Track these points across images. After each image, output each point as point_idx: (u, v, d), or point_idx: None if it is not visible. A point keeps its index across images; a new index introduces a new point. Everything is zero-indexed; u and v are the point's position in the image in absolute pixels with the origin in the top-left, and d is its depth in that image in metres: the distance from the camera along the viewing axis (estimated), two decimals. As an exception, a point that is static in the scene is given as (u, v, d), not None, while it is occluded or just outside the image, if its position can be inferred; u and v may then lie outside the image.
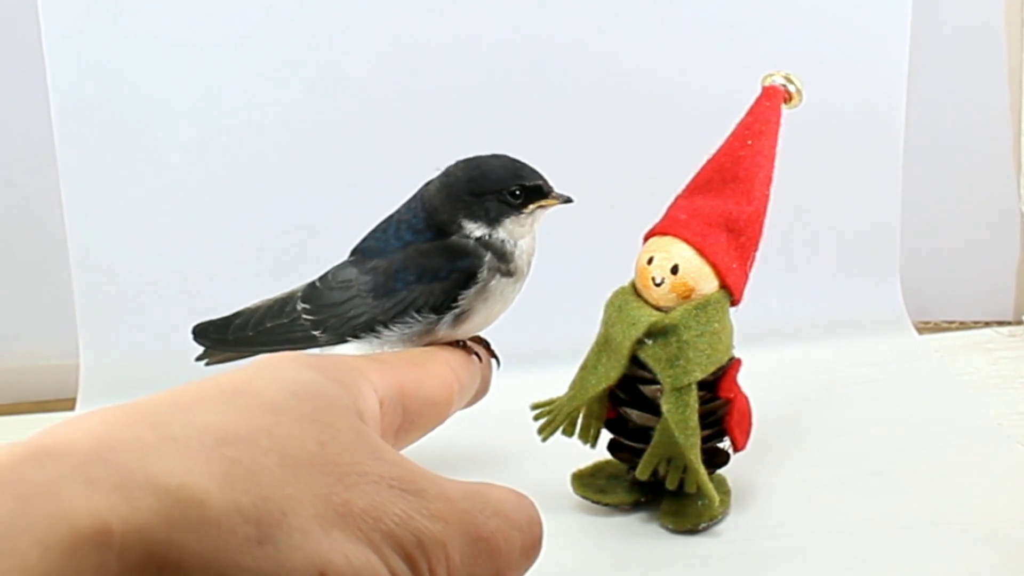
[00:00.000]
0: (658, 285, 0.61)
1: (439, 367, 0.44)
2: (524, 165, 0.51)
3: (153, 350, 0.79)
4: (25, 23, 0.79)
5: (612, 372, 0.62)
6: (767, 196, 0.63)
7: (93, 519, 0.24)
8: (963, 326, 0.93)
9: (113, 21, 0.80)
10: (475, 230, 0.50)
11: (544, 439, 0.66)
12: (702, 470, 0.61)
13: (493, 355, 0.51)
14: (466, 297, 0.50)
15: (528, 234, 0.52)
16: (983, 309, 0.94)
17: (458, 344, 0.49)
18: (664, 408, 0.60)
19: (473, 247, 0.50)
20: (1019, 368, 0.82)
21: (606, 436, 0.66)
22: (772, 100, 0.65)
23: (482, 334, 0.52)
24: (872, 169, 0.89)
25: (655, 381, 0.61)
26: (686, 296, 0.61)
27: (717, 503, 0.61)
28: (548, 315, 0.77)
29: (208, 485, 0.26)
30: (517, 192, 0.50)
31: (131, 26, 0.80)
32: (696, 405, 0.60)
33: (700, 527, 0.62)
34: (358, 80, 0.83)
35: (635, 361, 0.62)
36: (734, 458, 0.65)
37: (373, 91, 0.83)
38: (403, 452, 0.35)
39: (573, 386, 0.65)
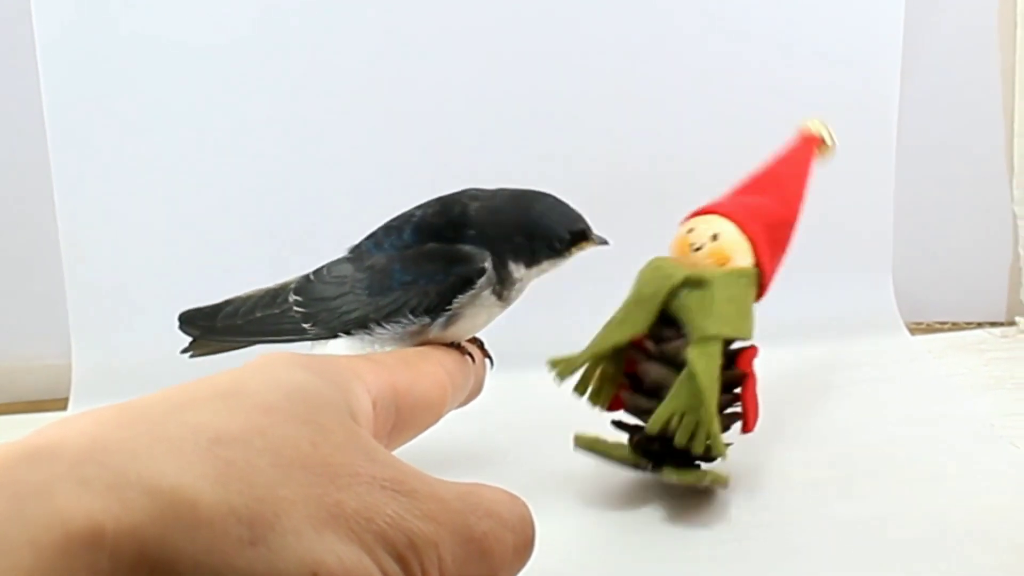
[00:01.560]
0: (696, 251, 0.64)
1: (432, 367, 0.44)
2: (572, 210, 0.52)
3: (146, 350, 0.79)
4: (18, 21, 0.79)
5: (641, 323, 0.64)
6: (797, 215, 0.68)
7: (86, 519, 0.24)
8: (956, 327, 0.93)
9: (105, 19, 0.80)
10: (515, 270, 0.51)
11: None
12: (716, 421, 0.61)
13: (487, 355, 0.51)
14: (460, 302, 0.50)
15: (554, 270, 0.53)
16: (975, 310, 0.94)
17: (452, 344, 0.49)
18: (689, 357, 0.61)
19: (476, 254, 0.50)
20: (1011, 368, 0.82)
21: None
22: (808, 144, 0.72)
23: (476, 334, 0.52)
24: (865, 170, 0.89)
25: (679, 339, 0.63)
26: (722, 264, 0.64)
27: (725, 453, 0.62)
28: (543, 316, 0.77)
29: (201, 486, 0.26)
30: (566, 238, 0.51)
31: (123, 24, 0.80)
32: (719, 361, 0.62)
33: (703, 483, 0.63)
34: (353, 75, 0.83)
35: (662, 320, 0.64)
36: (729, 459, 0.65)
37: (368, 87, 0.83)
38: (396, 452, 0.35)
39: (595, 339, 0.65)
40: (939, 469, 0.67)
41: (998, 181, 0.92)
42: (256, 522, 0.26)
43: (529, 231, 0.51)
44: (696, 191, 0.87)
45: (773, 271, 0.67)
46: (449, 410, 0.45)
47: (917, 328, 0.91)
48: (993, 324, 0.92)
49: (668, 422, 0.61)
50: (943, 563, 0.57)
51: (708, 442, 0.61)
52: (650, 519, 0.64)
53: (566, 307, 0.82)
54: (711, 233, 0.65)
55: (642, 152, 0.86)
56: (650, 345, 0.64)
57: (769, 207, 0.67)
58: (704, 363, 0.61)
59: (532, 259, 0.51)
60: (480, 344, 0.51)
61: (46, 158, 0.81)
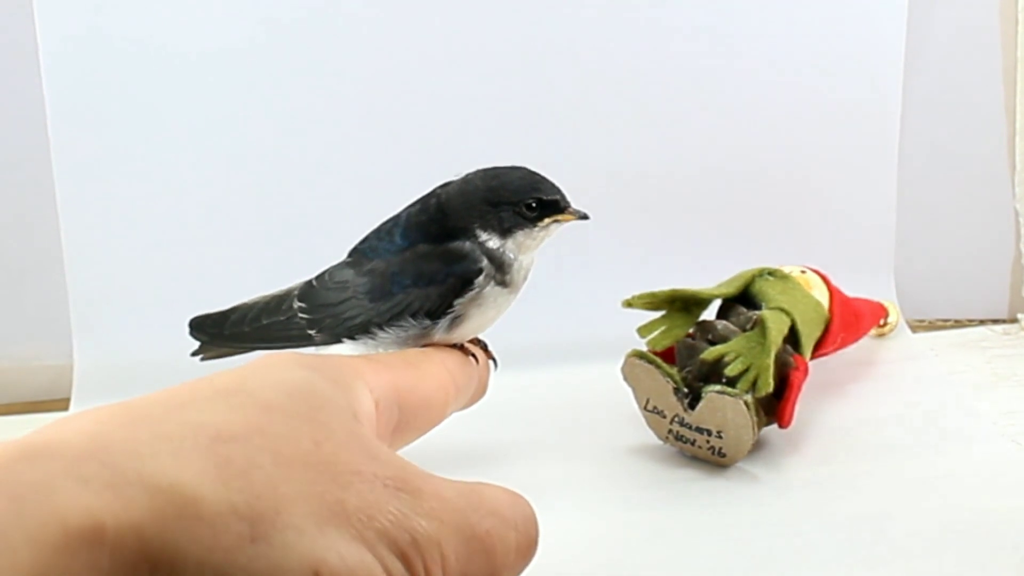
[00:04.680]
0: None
1: (435, 368, 0.44)
2: (543, 179, 0.51)
3: (147, 351, 0.79)
4: (21, 25, 0.79)
5: (729, 289, 0.72)
6: (848, 338, 0.79)
7: (85, 517, 0.24)
8: (958, 324, 0.93)
9: (108, 22, 0.80)
10: (488, 240, 0.50)
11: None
12: (771, 364, 0.64)
13: (490, 356, 0.51)
14: (461, 303, 0.49)
15: (537, 248, 0.51)
16: (978, 307, 0.94)
17: (455, 345, 0.49)
18: (763, 314, 0.68)
19: (470, 250, 0.50)
20: (1014, 366, 0.82)
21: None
22: (881, 311, 0.85)
23: (480, 335, 0.52)
24: (867, 167, 0.89)
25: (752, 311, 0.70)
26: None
27: (771, 389, 0.64)
28: (546, 315, 0.77)
29: (202, 483, 0.26)
30: (533, 205, 0.50)
31: (126, 28, 0.80)
32: (785, 330, 0.68)
33: (742, 399, 0.64)
34: (356, 78, 0.83)
35: (740, 300, 0.72)
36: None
37: (372, 90, 0.83)
38: (400, 452, 0.35)
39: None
40: (941, 467, 0.67)
41: (1000, 179, 0.92)
42: (257, 519, 0.26)
43: (493, 198, 0.50)
44: (700, 192, 0.87)
45: (821, 349, 0.75)
46: (452, 411, 0.45)
47: (919, 326, 0.91)
48: (995, 321, 0.92)
49: (725, 355, 0.65)
50: (945, 562, 0.57)
51: (756, 382, 0.64)
52: (652, 519, 0.64)
53: (571, 307, 0.82)
54: (806, 275, 0.76)
55: (645, 154, 0.86)
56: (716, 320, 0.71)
57: (851, 308, 0.78)
58: (775, 320, 0.68)
59: (503, 229, 0.50)
60: (484, 346, 0.51)
61: (48, 158, 0.80)
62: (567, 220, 0.51)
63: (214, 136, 0.82)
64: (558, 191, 0.51)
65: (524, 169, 0.51)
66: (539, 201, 0.50)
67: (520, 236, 0.50)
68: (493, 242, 0.50)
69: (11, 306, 0.86)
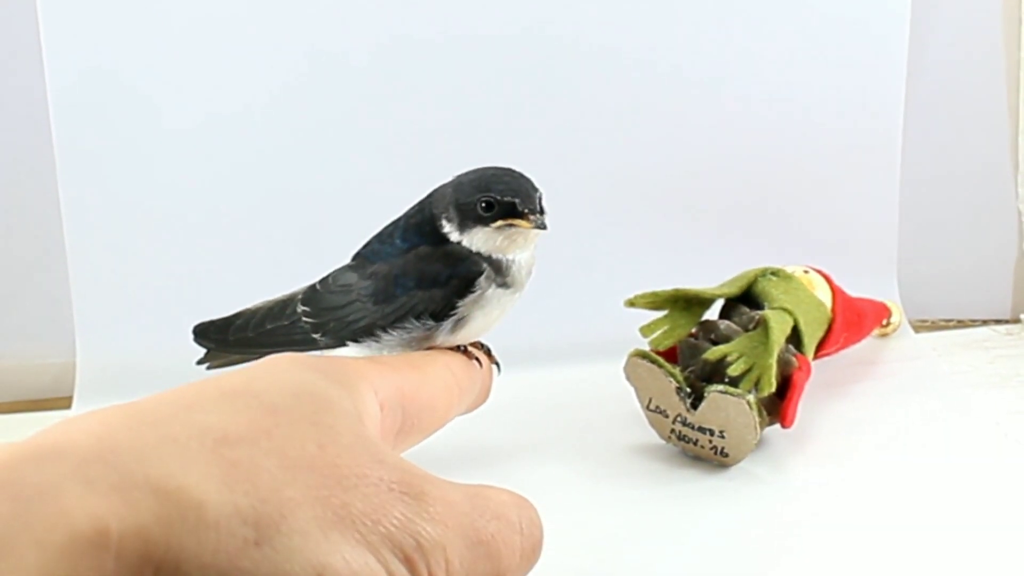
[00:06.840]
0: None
1: (439, 371, 0.44)
2: (510, 182, 0.49)
3: (150, 350, 0.79)
4: (24, 23, 0.79)
5: (731, 288, 0.72)
6: (852, 337, 0.80)
7: (91, 520, 0.24)
8: (961, 324, 0.93)
9: (112, 20, 0.79)
10: (450, 232, 0.50)
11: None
12: (774, 364, 0.65)
13: (494, 361, 0.51)
14: (464, 304, 0.49)
15: (507, 249, 0.50)
16: (981, 307, 0.94)
17: (459, 349, 0.49)
18: (765, 314, 0.68)
19: (468, 252, 0.50)
20: (1017, 367, 0.82)
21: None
22: (883, 312, 0.85)
23: (483, 339, 0.52)
24: (870, 167, 0.89)
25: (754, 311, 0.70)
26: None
27: (773, 389, 0.64)
28: (548, 315, 0.77)
29: (207, 486, 0.26)
30: (484, 204, 0.49)
31: (130, 24, 0.80)
32: (788, 330, 0.68)
33: (745, 399, 0.64)
34: (360, 82, 0.83)
35: (743, 300, 0.72)
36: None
37: (374, 92, 0.83)
38: (403, 454, 0.35)
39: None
40: (943, 468, 0.67)
41: (1003, 179, 0.92)
42: (262, 523, 0.26)
43: (456, 194, 0.50)
44: (703, 192, 0.87)
45: (824, 348, 0.75)
46: (456, 414, 0.45)
47: (922, 326, 0.91)
48: (998, 322, 0.92)
49: (728, 355, 0.65)
50: (947, 563, 0.57)
51: (758, 382, 0.64)
52: (654, 519, 0.64)
53: (573, 307, 0.82)
54: (810, 275, 0.76)
55: (649, 153, 0.86)
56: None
57: (854, 308, 0.78)
58: (778, 320, 0.68)
59: (460, 223, 0.50)
60: (487, 350, 0.51)
61: (51, 156, 0.80)
62: (522, 226, 0.49)
63: (219, 137, 0.82)
64: (518, 195, 0.49)
65: (501, 169, 0.50)
66: (492, 202, 0.49)
67: (478, 233, 0.50)
68: (454, 235, 0.50)
69: (14, 304, 0.86)
